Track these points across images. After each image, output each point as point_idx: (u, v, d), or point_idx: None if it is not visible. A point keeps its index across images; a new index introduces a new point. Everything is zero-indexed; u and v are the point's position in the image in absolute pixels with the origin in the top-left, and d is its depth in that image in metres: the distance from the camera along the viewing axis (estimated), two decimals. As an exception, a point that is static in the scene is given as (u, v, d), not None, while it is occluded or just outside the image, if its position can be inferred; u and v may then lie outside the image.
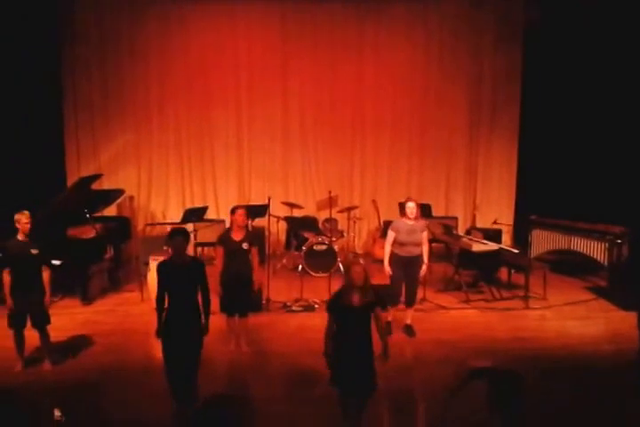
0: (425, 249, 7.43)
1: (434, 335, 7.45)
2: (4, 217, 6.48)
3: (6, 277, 6.29)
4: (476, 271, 9.56)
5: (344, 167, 11.93)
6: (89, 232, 9.12)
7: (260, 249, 7.40)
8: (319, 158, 11.91)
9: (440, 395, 3.71)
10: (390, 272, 7.36)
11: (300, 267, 9.83)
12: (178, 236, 5.32)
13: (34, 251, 6.27)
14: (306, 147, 11.88)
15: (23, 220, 6.22)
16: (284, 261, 10.79)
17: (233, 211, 6.97)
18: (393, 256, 7.37)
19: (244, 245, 6.84)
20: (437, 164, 11.94)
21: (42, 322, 6.43)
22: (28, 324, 6.42)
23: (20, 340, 6.44)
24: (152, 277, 7.87)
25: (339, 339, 4.93)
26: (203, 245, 10.54)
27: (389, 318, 7.51)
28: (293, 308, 8.50)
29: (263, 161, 11.83)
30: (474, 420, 3.73)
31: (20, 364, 6.48)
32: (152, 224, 11.05)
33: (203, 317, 5.36)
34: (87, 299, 8.85)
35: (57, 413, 5.27)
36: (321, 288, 8.87)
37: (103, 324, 7.93)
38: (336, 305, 4.92)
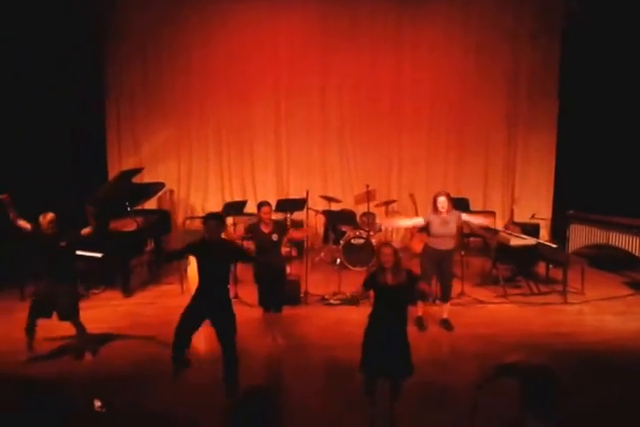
0: (479, 220, 7.81)
1: (471, 329, 7.45)
2: (47, 210, 6.62)
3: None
4: (514, 266, 9.51)
5: (382, 161, 11.95)
6: (130, 225, 9.28)
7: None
8: (357, 153, 11.94)
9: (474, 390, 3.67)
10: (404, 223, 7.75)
11: (338, 260, 9.88)
12: (211, 220, 5.61)
13: (63, 243, 6.41)
14: (344, 141, 11.92)
15: (43, 223, 6.37)
16: (322, 254, 10.87)
17: (259, 207, 7.10)
18: (427, 249, 7.39)
19: (274, 237, 6.93)
20: (475, 158, 11.88)
21: (71, 314, 6.48)
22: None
23: (31, 327, 6.46)
24: (192, 269, 8.02)
25: (373, 317, 5.07)
26: (242, 238, 10.63)
27: (420, 313, 7.57)
28: (331, 301, 8.55)
29: (301, 155, 11.91)
30: (505, 417, 3.68)
31: (29, 354, 6.50)
32: (192, 218, 11.21)
33: None
34: (128, 291, 9.02)
35: (97, 403, 5.47)
36: (359, 282, 8.86)
37: (143, 316, 8.07)
38: (372, 282, 5.09)
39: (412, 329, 7.24)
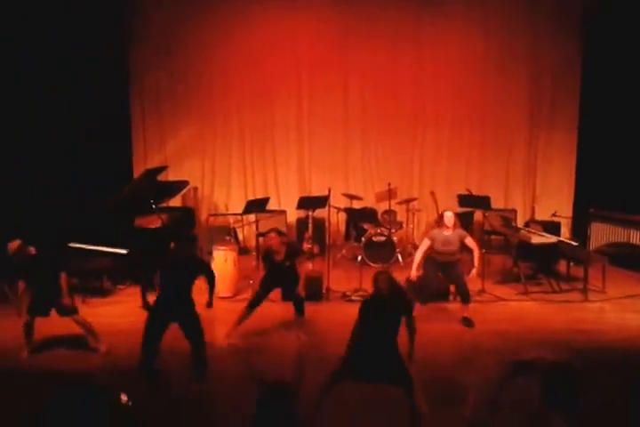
0: (476, 254, 7.59)
1: (492, 326, 7.51)
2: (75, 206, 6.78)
3: (21, 285, 6.62)
4: (535, 263, 9.53)
5: (403, 160, 11.99)
6: (155, 222, 9.37)
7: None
8: (379, 151, 12.00)
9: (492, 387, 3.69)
10: (414, 277, 7.58)
11: (360, 258, 9.96)
12: (183, 243, 6.20)
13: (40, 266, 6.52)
14: (366, 139, 11.98)
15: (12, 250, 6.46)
16: (344, 251, 10.96)
17: (264, 235, 7.32)
18: (430, 259, 7.55)
19: (287, 264, 7.06)
20: (497, 156, 11.90)
21: (69, 312, 6.63)
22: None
23: (29, 326, 6.59)
24: (216, 266, 8.17)
25: (361, 334, 5.16)
26: (264, 235, 10.74)
27: (466, 314, 7.64)
28: (353, 297, 8.62)
29: (323, 153, 11.98)
30: (524, 413, 3.69)
31: (26, 351, 6.66)
32: (215, 215, 11.34)
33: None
34: (153, 287, 9.16)
35: (124, 397, 5.58)
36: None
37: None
38: (368, 308, 5.20)
39: (435, 325, 7.44)
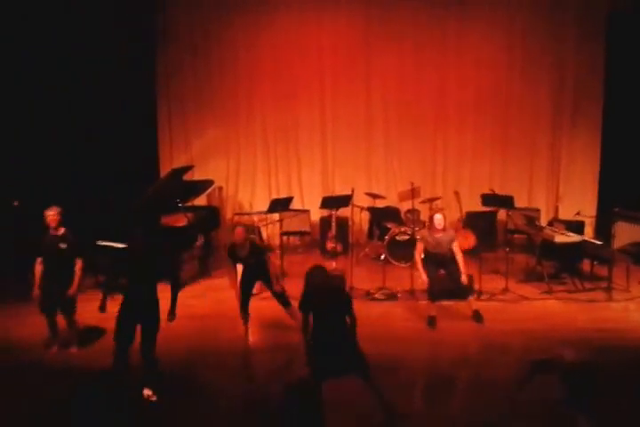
0: (459, 259, 7.57)
1: (515, 325, 7.51)
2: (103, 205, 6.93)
3: (38, 267, 6.75)
4: (558, 262, 9.51)
5: (426, 159, 12.02)
6: (181, 221, 9.52)
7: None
8: (402, 150, 12.03)
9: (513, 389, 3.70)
10: (426, 279, 7.54)
11: (383, 256, 9.99)
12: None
13: (62, 245, 6.69)
14: (388, 139, 12.01)
15: (49, 216, 6.66)
16: (367, 250, 11.02)
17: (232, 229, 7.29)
18: (427, 257, 7.63)
19: (251, 260, 7.06)
20: (520, 156, 11.86)
21: (68, 310, 6.83)
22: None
23: (52, 324, 6.86)
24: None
25: (315, 331, 5.27)
26: (288, 234, 10.91)
27: (433, 313, 7.64)
28: (376, 296, 8.70)
29: (346, 153, 12.03)
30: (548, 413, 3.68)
31: (56, 347, 6.90)
32: (240, 214, 11.45)
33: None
34: (180, 283, 9.32)
35: (146, 392, 5.65)
36: (403, 278, 9.05)
37: (194, 308, 8.27)
38: (307, 304, 5.31)
39: (460, 324, 7.53)
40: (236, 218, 11.29)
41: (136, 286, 5.77)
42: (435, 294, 7.56)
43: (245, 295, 7.16)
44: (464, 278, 7.55)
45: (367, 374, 5.21)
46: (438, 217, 7.58)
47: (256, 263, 7.06)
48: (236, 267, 7.23)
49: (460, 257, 7.59)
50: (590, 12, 11.27)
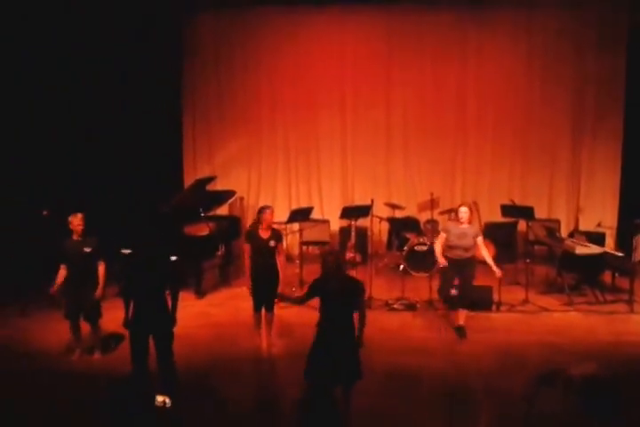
0: (486, 253, 7.55)
1: (536, 337, 7.50)
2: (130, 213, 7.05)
3: (62, 271, 6.86)
4: (579, 274, 9.47)
5: (446, 170, 12.03)
6: (203, 230, 9.63)
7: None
8: (421, 161, 12.06)
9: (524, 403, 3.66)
10: (445, 262, 7.52)
11: (402, 267, 10.02)
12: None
13: (87, 249, 6.79)
14: (408, 150, 12.06)
15: (75, 222, 6.78)
16: (386, 260, 11.04)
17: (261, 210, 7.29)
18: (446, 259, 7.55)
19: (272, 243, 7.10)
20: (540, 167, 11.83)
21: (93, 316, 6.92)
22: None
23: (75, 330, 6.95)
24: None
25: (321, 325, 5.25)
26: (308, 244, 10.96)
27: (461, 322, 7.63)
28: (395, 306, 8.73)
29: (366, 164, 12.09)
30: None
31: (78, 352, 7.00)
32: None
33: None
34: (200, 293, 9.41)
35: (159, 399, 5.67)
36: (422, 288, 9.07)
37: (215, 316, 8.43)
38: (317, 287, 5.29)
39: (480, 336, 7.53)
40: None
41: (141, 291, 5.74)
42: (446, 298, 7.62)
43: (258, 293, 7.17)
44: (498, 271, 7.52)
45: (353, 384, 5.27)
46: (464, 209, 7.50)
47: (273, 249, 7.10)
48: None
49: (485, 251, 7.55)
50: (611, 25, 11.26)
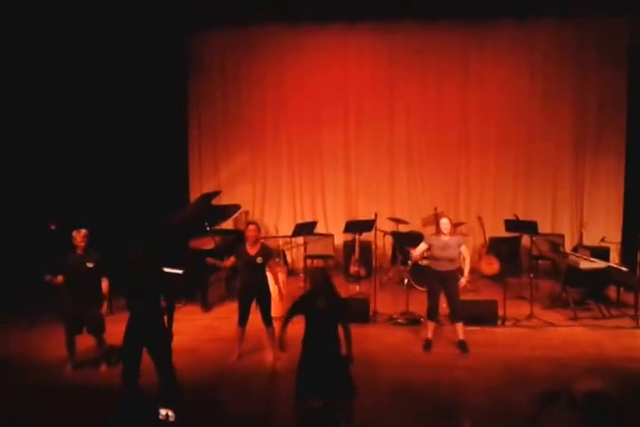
0: (466, 262, 7.70)
1: (541, 352, 7.47)
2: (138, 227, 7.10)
3: (60, 278, 6.86)
4: (584, 289, 9.46)
5: (449, 184, 12.08)
6: (209, 244, 9.68)
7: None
8: (424, 176, 12.13)
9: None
10: (416, 257, 8.00)
11: (406, 281, 10.03)
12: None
13: (90, 264, 6.85)
14: (411, 164, 12.13)
15: (77, 238, 6.86)
16: (390, 274, 11.05)
17: (246, 226, 7.31)
18: (431, 272, 7.66)
19: (258, 260, 7.09)
20: (543, 182, 11.88)
21: (97, 330, 6.95)
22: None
23: (70, 345, 6.95)
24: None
25: (307, 342, 5.28)
26: (312, 257, 10.98)
27: (429, 336, 7.70)
28: (399, 320, 8.73)
29: (370, 178, 12.17)
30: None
31: (70, 366, 7.00)
32: (265, 237, 11.56)
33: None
34: (206, 306, 9.45)
35: (162, 412, 5.67)
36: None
37: (221, 330, 8.40)
38: (301, 306, 5.34)
39: (484, 350, 7.50)
40: (262, 242, 11.40)
41: (137, 304, 5.72)
42: (431, 312, 7.66)
43: (244, 307, 7.20)
44: (463, 281, 7.66)
45: (350, 401, 5.24)
46: (444, 221, 7.59)
47: (261, 266, 7.10)
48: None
49: (467, 261, 7.70)
50: (611, 40, 11.35)
